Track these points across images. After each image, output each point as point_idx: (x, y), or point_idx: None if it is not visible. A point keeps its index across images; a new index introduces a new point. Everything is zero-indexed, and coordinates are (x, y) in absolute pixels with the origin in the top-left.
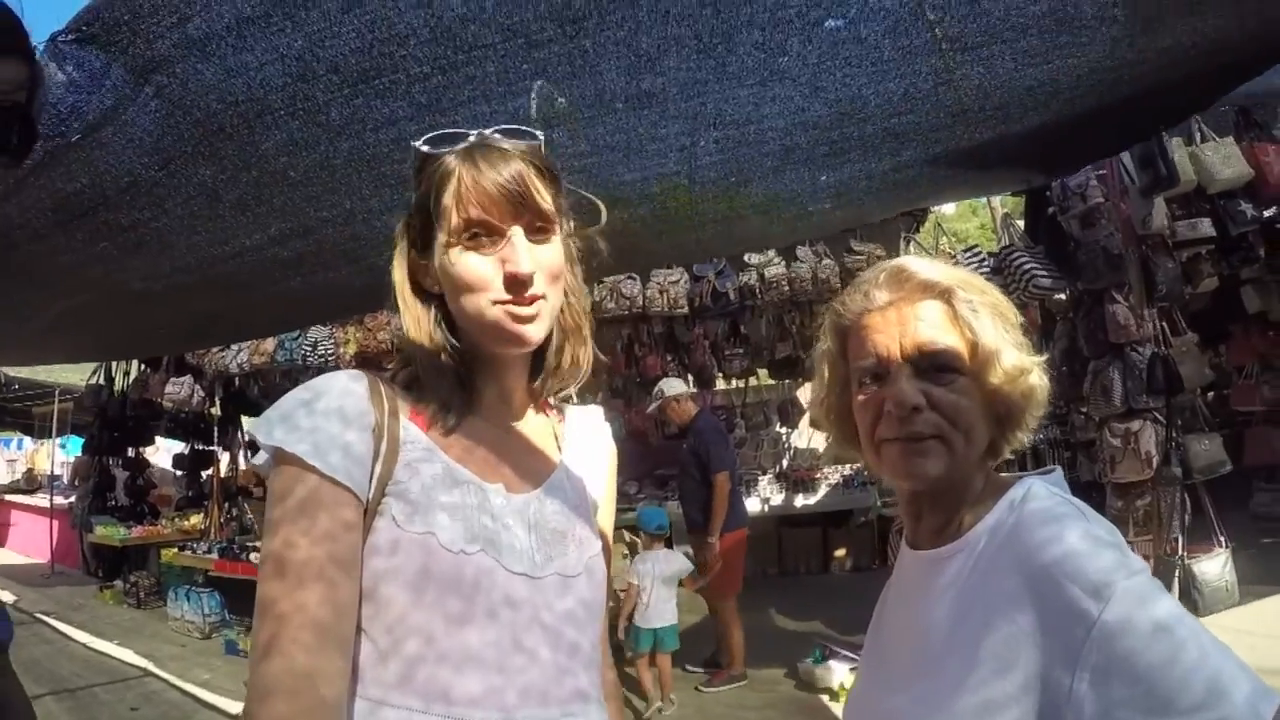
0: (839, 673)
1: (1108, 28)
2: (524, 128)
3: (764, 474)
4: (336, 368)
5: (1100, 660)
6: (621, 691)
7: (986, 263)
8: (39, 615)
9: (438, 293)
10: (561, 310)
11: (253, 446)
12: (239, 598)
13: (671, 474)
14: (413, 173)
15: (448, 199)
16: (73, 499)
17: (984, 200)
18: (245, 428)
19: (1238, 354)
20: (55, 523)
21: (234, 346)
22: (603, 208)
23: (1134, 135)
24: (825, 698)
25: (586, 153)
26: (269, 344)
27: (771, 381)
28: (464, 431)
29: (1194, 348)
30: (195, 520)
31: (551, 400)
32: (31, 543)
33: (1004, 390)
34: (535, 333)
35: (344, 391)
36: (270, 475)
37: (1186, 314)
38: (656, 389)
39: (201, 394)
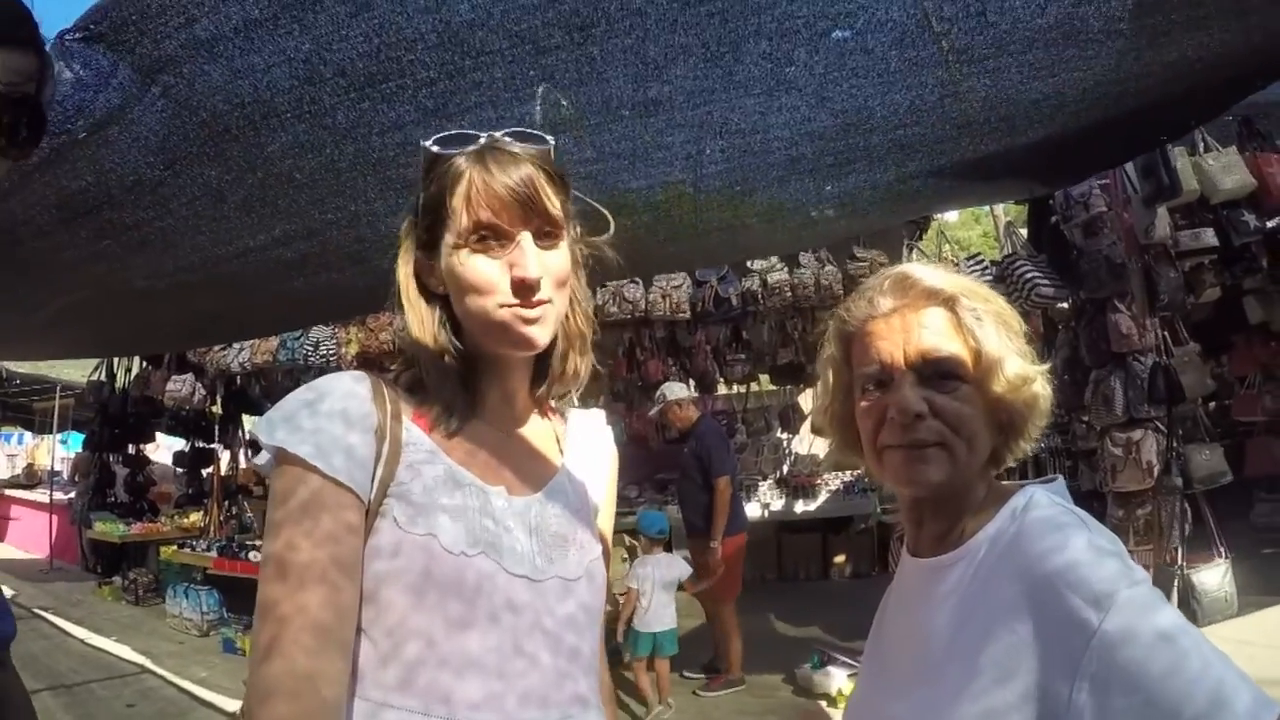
0: (837, 679)
1: (1114, 41)
2: (534, 132)
3: (764, 479)
4: (338, 368)
5: (1100, 670)
6: (615, 695)
7: (989, 271)
8: (37, 610)
9: (442, 293)
10: (566, 316)
11: (254, 446)
12: (237, 596)
13: (672, 478)
14: (421, 172)
15: (457, 200)
16: (73, 495)
17: (987, 208)
18: (246, 426)
19: (1239, 364)
20: (55, 518)
21: (236, 345)
22: (611, 218)
23: (1138, 147)
24: (824, 703)
25: (592, 159)
26: (271, 343)
27: (773, 387)
28: (466, 434)
29: (1196, 357)
30: (195, 518)
31: (553, 403)
32: (31, 538)
33: (1007, 398)
34: (541, 336)
35: (347, 393)
36: (272, 475)
37: (1188, 324)
38: (658, 393)
39: (203, 392)
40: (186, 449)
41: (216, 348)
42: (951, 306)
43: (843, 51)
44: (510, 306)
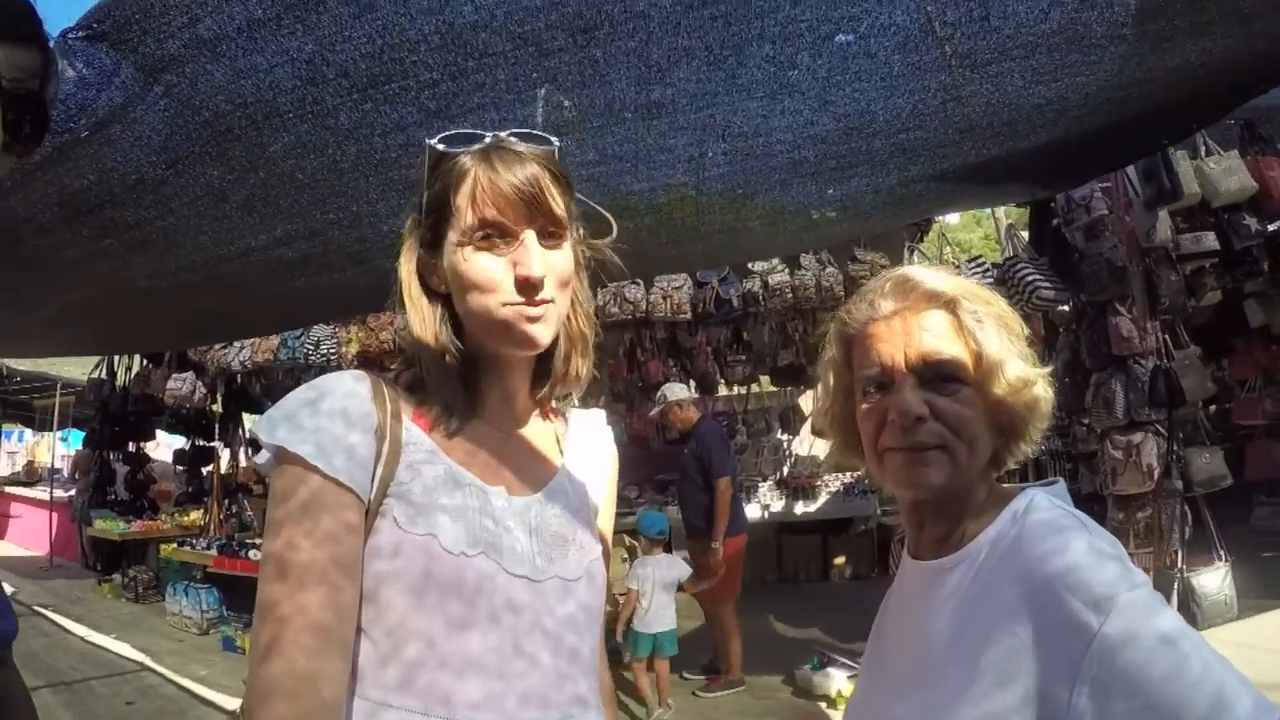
0: (837, 680)
1: (1117, 47)
2: (539, 133)
3: (764, 481)
4: (339, 366)
5: (1100, 674)
6: (616, 695)
7: (990, 273)
8: (37, 608)
9: (444, 292)
10: (568, 318)
11: (255, 444)
12: (237, 594)
13: (672, 479)
14: (425, 170)
15: (462, 198)
16: (73, 492)
17: (988, 211)
18: (246, 425)
19: (1240, 368)
20: (55, 515)
21: (237, 344)
22: (613, 221)
23: (1140, 151)
24: (823, 705)
25: (594, 162)
26: (272, 342)
27: (773, 388)
28: (466, 434)
29: (1196, 361)
30: (195, 516)
31: (554, 404)
32: (31, 535)
33: (1008, 401)
34: (542, 336)
35: (348, 392)
36: (272, 474)
37: (1189, 327)
38: (659, 393)
39: (203, 390)
40: (187, 447)
41: (217, 346)
42: (952, 309)
43: (846, 55)
44: (513, 305)
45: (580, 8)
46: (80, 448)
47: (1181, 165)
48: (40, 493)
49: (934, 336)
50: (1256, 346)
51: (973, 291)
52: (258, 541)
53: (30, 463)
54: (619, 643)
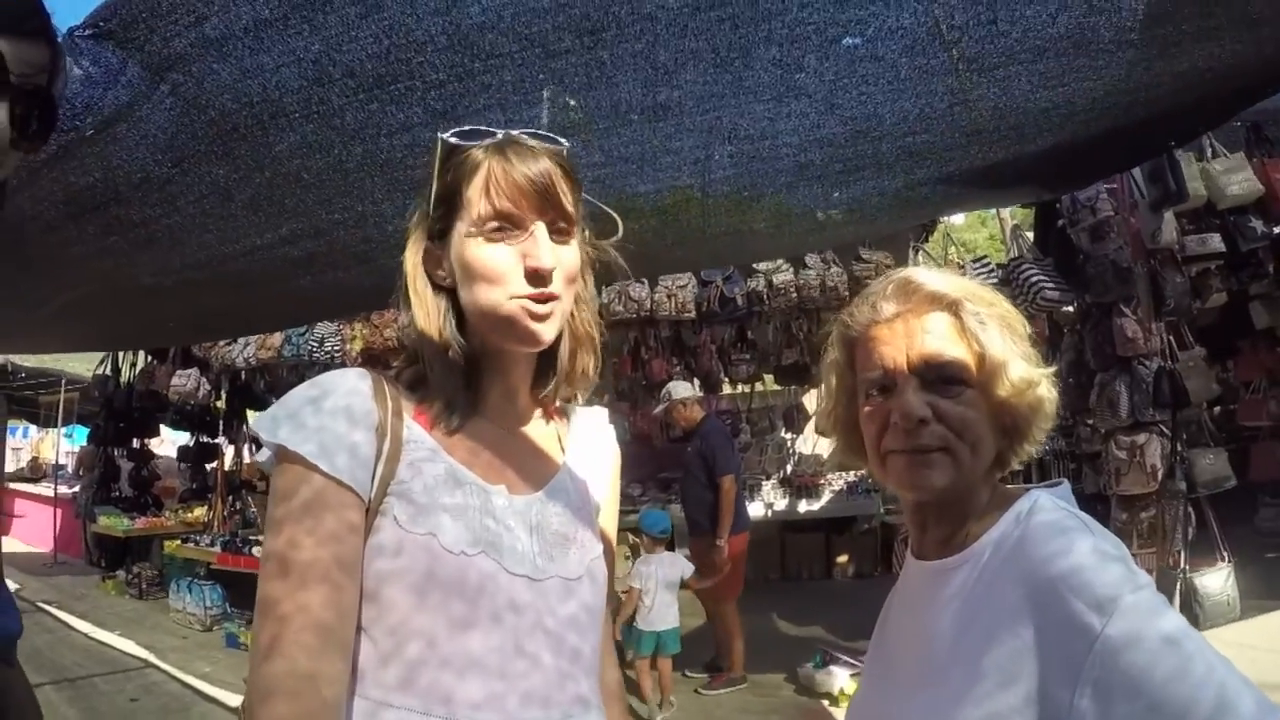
0: (840, 678)
1: (1124, 51)
2: (549, 134)
3: (768, 479)
4: (343, 364)
5: (1102, 676)
6: (625, 691)
7: (995, 274)
8: (41, 604)
9: (449, 286)
10: (572, 316)
11: (257, 441)
12: (241, 591)
13: (675, 477)
14: (435, 163)
15: (474, 189)
16: (77, 489)
17: (993, 211)
18: (250, 421)
19: (1245, 369)
20: (59, 512)
21: (241, 340)
22: (619, 221)
23: (1146, 153)
24: (826, 703)
25: (601, 163)
26: (276, 339)
27: (777, 387)
28: (467, 432)
29: (1201, 362)
30: (199, 513)
31: (556, 402)
32: (35, 532)
33: (1011, 402)
34: (546, 333)
35: (351, 390)
36: (274, 472)
37: (1194, 329)
38: (664, 391)
39: (207, 387)
40: (191, 444)
41: (222, 343)
42: (955, 311)
43: (853, 58)
44: (520, 298)
45: (587, 9)
46: (85, 444)
47: (1188, 167)
48: (45, 489)
49: (936, 338)
50: (1261, 348)
51: (975, 293)
52: (262, 538)
53: (35, 459)
54: (618, 640)
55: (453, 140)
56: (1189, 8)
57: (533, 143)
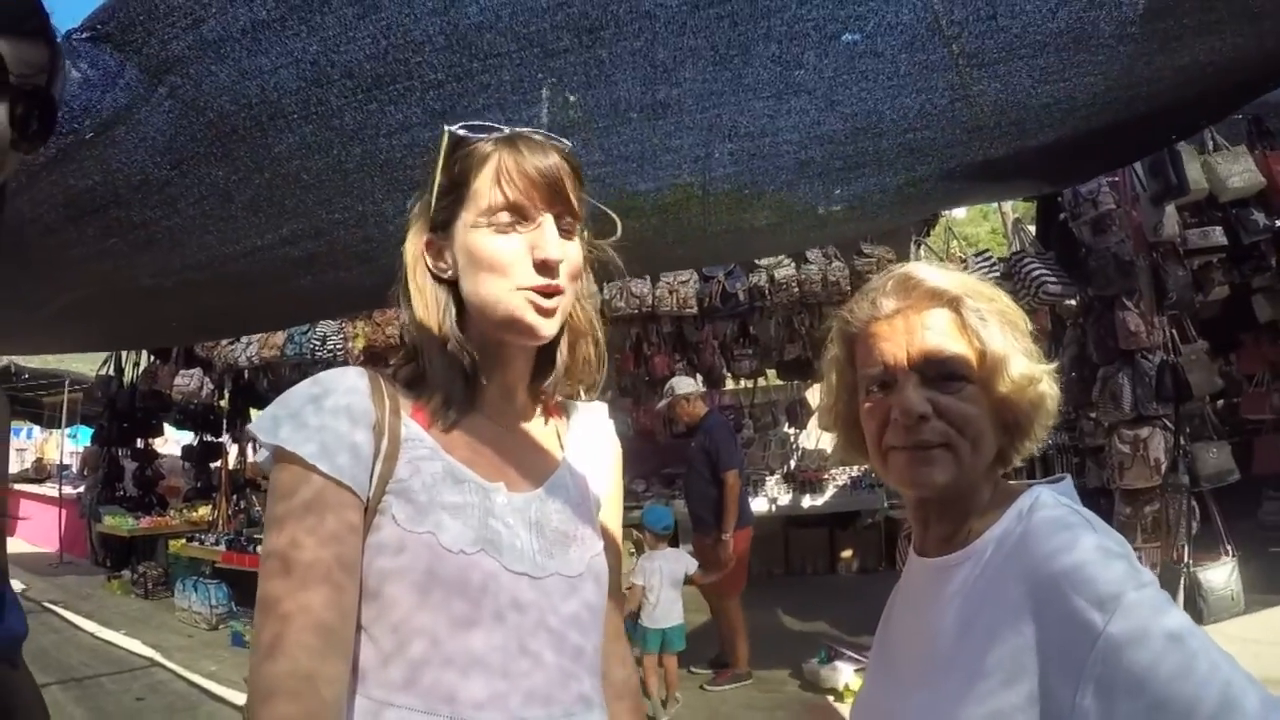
0: (844, 674)
1: (1125, 46)
2: (553, 135)
3: (771, 474)
4: (345, 362)
5: (1105, 673)
6: (639, 688)
7: (997, 268)
8: (47, 604)
9: (450, 278)
10: (572, 313)
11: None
12: (246, 589)
13: (678, 472)
14: (441, 156)
15: (482, 180)
16: (81, 489)
17: (995, 205)
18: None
19: (1248, 362)
20: (64, 512)
21: (243, 340)
22: (618, 221)
23: (1147, 147)
24: (831, 698)
25: (600, 162)
26: (278, 338)
27: (780, 382)
28: (465, 429)
29: (1203, 355)
30: (203, 511)
31: (556, 398)
32: (40, 532)
33: (1012, 398)
34: (548, 328)
35: (350, 388)
36: (273, 470)
37: (1197, 322)
38: (667, 387)
39: (211, 386)
40: (195, 443)
41: (224, 342)
42: (955, 307)
43: (852, 55)
44: (526, 289)
45: (586, 8)
46: (88, 444)
47: (1190, 160)
48: (49, 489)
49: (936, 335)
50: (1264, 341)
51: (975, 288)
52: None
53: (39, 460)
54: None
55: (460, 132)
56: (1190, 1)
57: (540, 138)
